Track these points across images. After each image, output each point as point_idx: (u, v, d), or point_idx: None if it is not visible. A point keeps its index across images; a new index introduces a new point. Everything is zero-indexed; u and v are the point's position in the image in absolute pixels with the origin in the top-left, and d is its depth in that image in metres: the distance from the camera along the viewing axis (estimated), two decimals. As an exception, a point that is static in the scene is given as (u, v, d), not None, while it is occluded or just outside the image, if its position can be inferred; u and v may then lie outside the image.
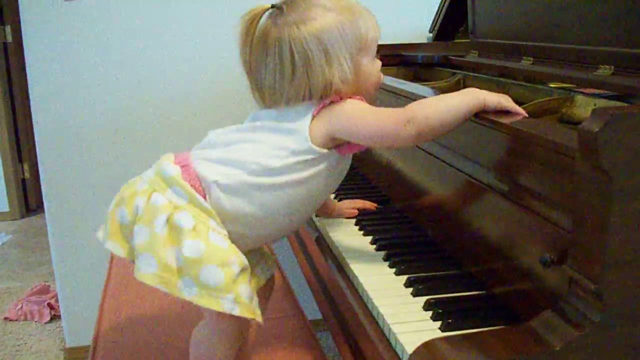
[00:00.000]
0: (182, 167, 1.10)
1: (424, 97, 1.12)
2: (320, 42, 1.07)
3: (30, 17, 2.20)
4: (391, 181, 1.54)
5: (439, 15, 2.14)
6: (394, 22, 2.37)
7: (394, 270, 1.15)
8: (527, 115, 1.07)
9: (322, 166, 1.10)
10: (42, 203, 2.41)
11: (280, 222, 1.13)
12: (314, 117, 1.09)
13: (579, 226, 0.81)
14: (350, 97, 1.11)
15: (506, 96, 1.09)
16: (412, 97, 1.30)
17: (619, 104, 1.20)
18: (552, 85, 1.46)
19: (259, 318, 1.08)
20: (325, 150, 1.08)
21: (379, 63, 1.17)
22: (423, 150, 1.31)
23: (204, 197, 1.08)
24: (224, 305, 1.03)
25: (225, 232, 1.08)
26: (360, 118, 1.08)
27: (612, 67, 1.25)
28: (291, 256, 1.65)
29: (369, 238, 1.30)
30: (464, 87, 1.68)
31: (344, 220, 1.42)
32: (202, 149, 1.15)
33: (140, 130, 2.33)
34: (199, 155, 1.13)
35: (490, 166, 1.04)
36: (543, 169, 0.91)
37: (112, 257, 1.87)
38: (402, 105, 1.07)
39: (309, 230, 1.47)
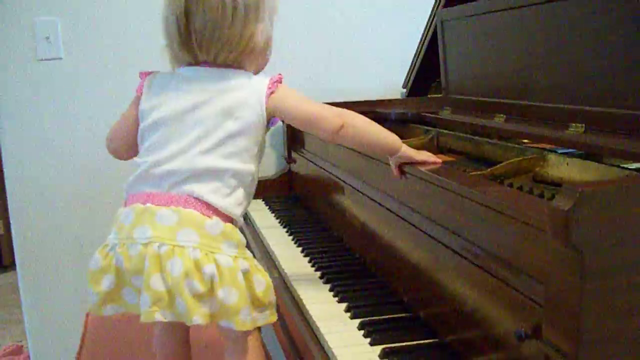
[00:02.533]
0: (210, 213, 1.14)
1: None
2: None
3: (3, 77, 2.19)
4: (366, 245, 1.52)
5: (412, 71, 2.15)
6: (367, 77, 2.39)
7: (368, 340, 1.12)
8: (440, 162, 1.23)
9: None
10: (15, 260, 2.37)
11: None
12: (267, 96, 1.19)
13: (553, 303, 0.79)
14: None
15: (426, 152, 1.26)
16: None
17: (590, 163, 1.19)
18: (524, 141, 1.46)
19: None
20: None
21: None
22: (399, 216, 1.29)
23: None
24: (272, 317, 1.20)
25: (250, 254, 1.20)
26: (306, 103, 1.22)
27: (583, 125, 1.25)
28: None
29: (344, 305, 1.27)
30: (438, 144, 1.67)
31: (320, 285, 1.39)
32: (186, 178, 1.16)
33: (108, 190, 2.30)
34: (203, 189, 1.15)
35: (465, 235, 1.03)
36: (515, 240, 0.89)
37: (87, 317, 1.82)
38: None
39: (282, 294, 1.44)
